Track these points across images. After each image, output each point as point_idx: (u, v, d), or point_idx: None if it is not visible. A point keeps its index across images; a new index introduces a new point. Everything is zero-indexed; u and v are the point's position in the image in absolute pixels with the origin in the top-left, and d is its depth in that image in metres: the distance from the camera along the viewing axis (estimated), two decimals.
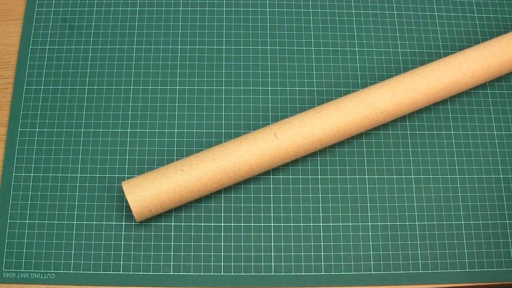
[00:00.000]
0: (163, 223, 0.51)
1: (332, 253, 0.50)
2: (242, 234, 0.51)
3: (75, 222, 0.51)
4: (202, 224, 0.51)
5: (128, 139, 0.54)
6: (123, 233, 0.50)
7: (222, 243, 0.50)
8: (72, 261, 0.50)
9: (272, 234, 0.51)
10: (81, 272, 0.49)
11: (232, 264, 0.50)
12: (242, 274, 0.50)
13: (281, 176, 0.53)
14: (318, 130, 0.49)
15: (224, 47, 0.57)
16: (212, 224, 0.51)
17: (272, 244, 0.51)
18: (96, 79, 0.56)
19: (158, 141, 0.54)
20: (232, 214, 0.51)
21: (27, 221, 0.51)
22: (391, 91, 0.51)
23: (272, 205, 0.52)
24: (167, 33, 0.58)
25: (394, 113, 0.51)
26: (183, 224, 0.51)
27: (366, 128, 0.52)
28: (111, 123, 0.54)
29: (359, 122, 0.50)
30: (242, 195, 0.52)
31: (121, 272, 0.49)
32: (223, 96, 0.55)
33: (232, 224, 0.51)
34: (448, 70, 0.52)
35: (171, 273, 0.49)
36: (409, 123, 0.55)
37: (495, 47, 0.53)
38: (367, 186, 0.53)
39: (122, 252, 0.50)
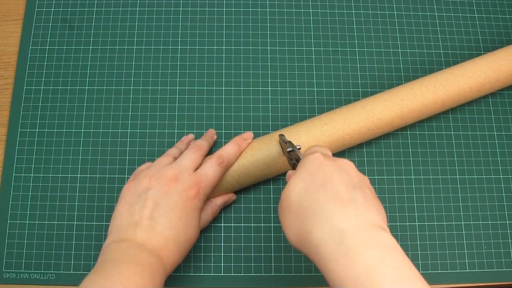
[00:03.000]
0: None
1: None
2: (242, 234, 0.51)
3: (75, 223, 0.51)
4: None
5: (128, 139, 0.54)
6: None
7: (222, 244, 0.50)
8: (72, 262, 0.50)
9: (272, 234, 0.51)
10: (81, 272, 0.49)
11: (232, 264, 0.50)
12: (242, 274, 0.50)
13: (281, 176, 0.53)
14: (324, 142, 0.49)
15: (224, 47, 0.57)
16: (212, 224, 0.51)
17: (272, 244, 0.51)
18: (96, 79, 0.56)
19: (158, 141, 0.54)
20: (232, 215, 0.51)
21: (27, 222, 0.51)
22: (399, 104, 0.50)
23: (272, 205, 0.52)
24: (167, 33, 0.58)
25: (400, 125, 0.51)
26: None
27: (371, 138, 0.52)
28: (111, 123, 0.54)
29: (365, 135, 0.50)
30: (242, 196, 0.52)
31: None
32: (223, 96, 0.55)
33: (232, 225, 0.51)
34: (455, 83, 0.51)
35: (171, 273, 0.49)
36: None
37: (503, 60, 0.52)
38: None
39: None
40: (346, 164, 0.38)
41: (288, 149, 0.45)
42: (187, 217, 0.43)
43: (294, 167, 0.44)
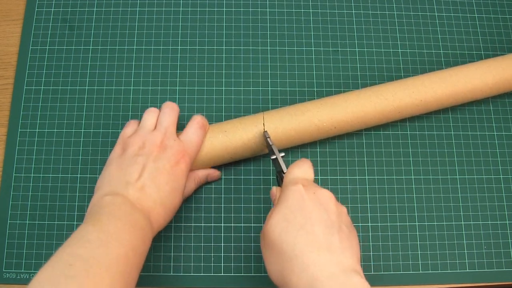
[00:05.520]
0: None
1: None
2: (242, 234, 0.51)
3: (75, 223, 0.51)
4: (202, 224, 0.51)
5: None
6: None
7: (222, 244, 0.50)
8: None
9: None
10: None
11: (232, 264, 0.50)
12: (242, 274, 0.50)
13: None
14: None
15: (224, 47, 0.57)
16: (212, 224, 0.51)
17: None
18: (96, 79, 0.56)
19: None
20: (232, 215, 0.51)
21: (27, 222, 0.51)
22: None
23: (272, 206, 0.52)
24: (167, 33, 0.58)
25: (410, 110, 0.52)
26: (183, 225, 0.51)
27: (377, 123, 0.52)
28: (111, 123, 0.54)
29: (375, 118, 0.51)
30: (242, 196, 0.52)
31: None
32: (223, 96, 0.55)
33: (232, 225, 0.51)
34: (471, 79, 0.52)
35: (171, 273, 0.49)
36: (409, 123, 0.55)
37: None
38: (367, 186, 0.53)
39: None
40: (326, 199, 0.40)
41: (272, 157, 0.45)
42: (173, 182, 0.44)
43: (277, 177, 0.46)
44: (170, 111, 0.48)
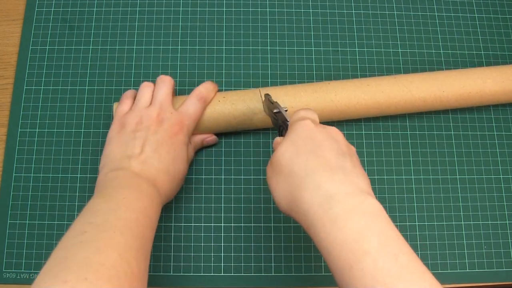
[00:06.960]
0: (163, 224, 0.51)
1: None
2: (242, 234, 0.51)
3: None
4: (202, 224, 0.51)
5: None
6: None
7: (222, 244, 0.50)
8: None
9: (272, 234, 0.51)
10: None
11: (232, 264, 0.50)
12: (242, 274, 0.50)
13: None
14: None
15: (224, 47, 0.57)
16: (212, 224, 0.51)
17: (272, 244, 0.51)
18: (96, 79, 0.56)
19: None
20: (232, 215, 0.51)
21: (27, 222, 0.51)
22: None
23: (272, 205, 0.52)
24: (166, 33, 0.58)
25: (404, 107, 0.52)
26: (183, 224, 0.51)
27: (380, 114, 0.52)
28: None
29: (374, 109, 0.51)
30: (242, 196, 0.52)
31: None
32: None
33: (232, 225, 0.51)
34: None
35: (171, 273, 0.49)
36: (409, 123, 0.55)
37: None
38: None
39: None
40: (335, 132, 0.39)
41: (275, 110, 0.45)
42: (174, 151, 0.46)
43: (280, 129, 0.45)
44: (163, 85, 0.49)
